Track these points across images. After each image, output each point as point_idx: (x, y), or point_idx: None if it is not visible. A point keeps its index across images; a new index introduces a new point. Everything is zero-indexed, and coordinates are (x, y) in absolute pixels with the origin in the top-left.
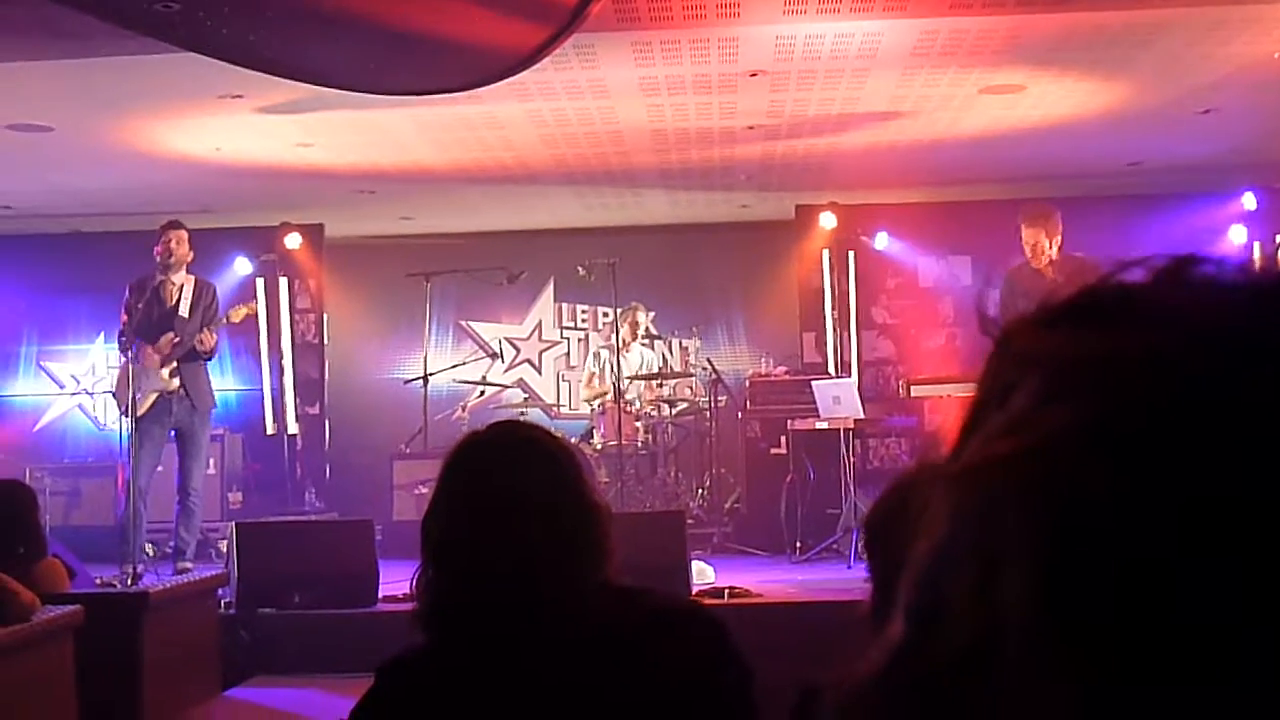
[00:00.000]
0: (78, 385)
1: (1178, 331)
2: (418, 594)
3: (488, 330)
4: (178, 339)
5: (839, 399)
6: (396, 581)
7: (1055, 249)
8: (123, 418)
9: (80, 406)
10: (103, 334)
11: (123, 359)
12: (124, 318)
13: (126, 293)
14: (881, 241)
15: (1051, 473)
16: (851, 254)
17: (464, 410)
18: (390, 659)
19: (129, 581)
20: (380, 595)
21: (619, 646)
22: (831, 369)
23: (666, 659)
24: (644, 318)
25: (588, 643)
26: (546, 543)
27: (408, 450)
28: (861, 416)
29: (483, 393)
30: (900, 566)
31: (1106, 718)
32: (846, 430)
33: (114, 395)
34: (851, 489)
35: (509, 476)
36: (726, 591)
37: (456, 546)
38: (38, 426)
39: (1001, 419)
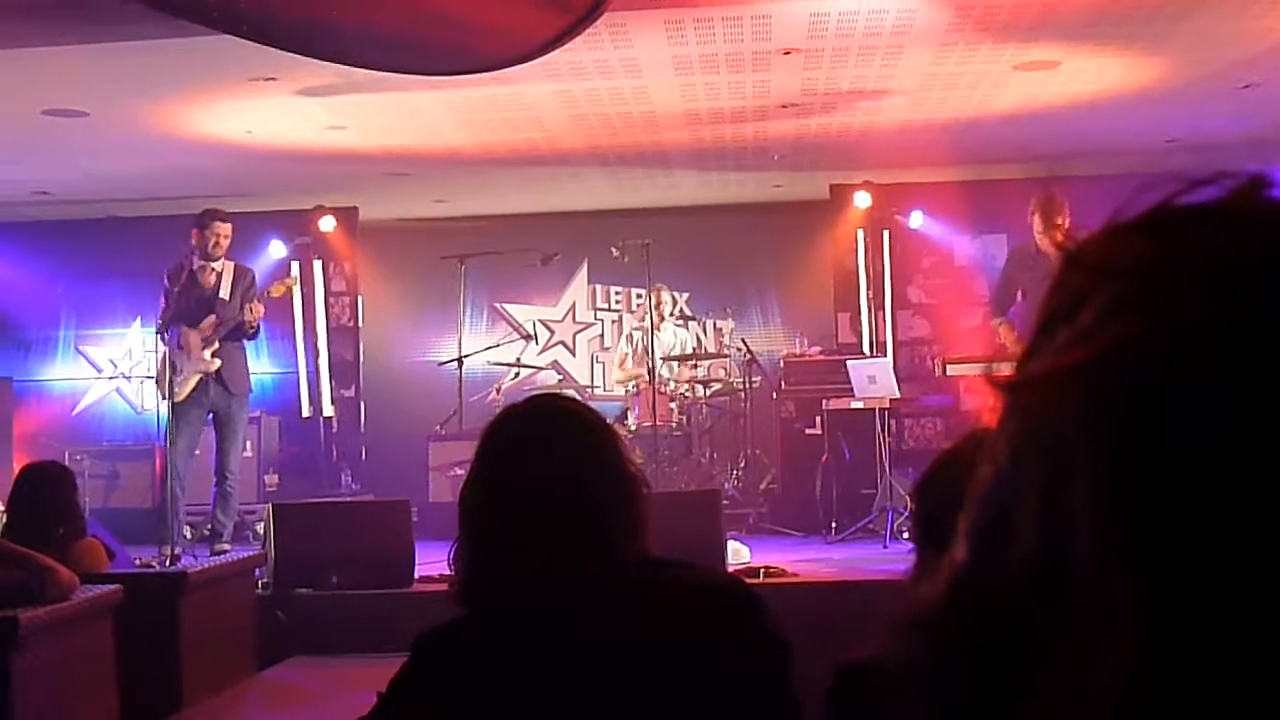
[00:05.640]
0: (115, 369)
1: (1255, 240)
2: (455, 567)
3: (521, 312)
4: (220, 321)
5: (874, 379)
6: (433, 562)
7: (1061, 234)
8: (161, 401)
9: (118, 390)
10: (139, 318)
11: (162, 345)
12: (162, 304)
13: (164, 279)
14: (916, 220)
15: (1121, 380)
16: (886, 233)
17: (498, 392)
18: (428, 631)
19: (167, 562)
20: (416, 576)
21: (656, 619)
22: (866, 349)
23: (703, 631)
24: (669, 297)
25: (625, 615)
26: (583, 515)
27: (443, 432)
28: (897, 396)
29: (517, 374)
30: (949, 523)
31: (1175, 624)
32: (882, 410)
33: (155, 381)
34: (887, 469)
35: (546, 449)
36: (762, 571)
37: (493, 519)
38: (76, 410)
39: (1071, 331)
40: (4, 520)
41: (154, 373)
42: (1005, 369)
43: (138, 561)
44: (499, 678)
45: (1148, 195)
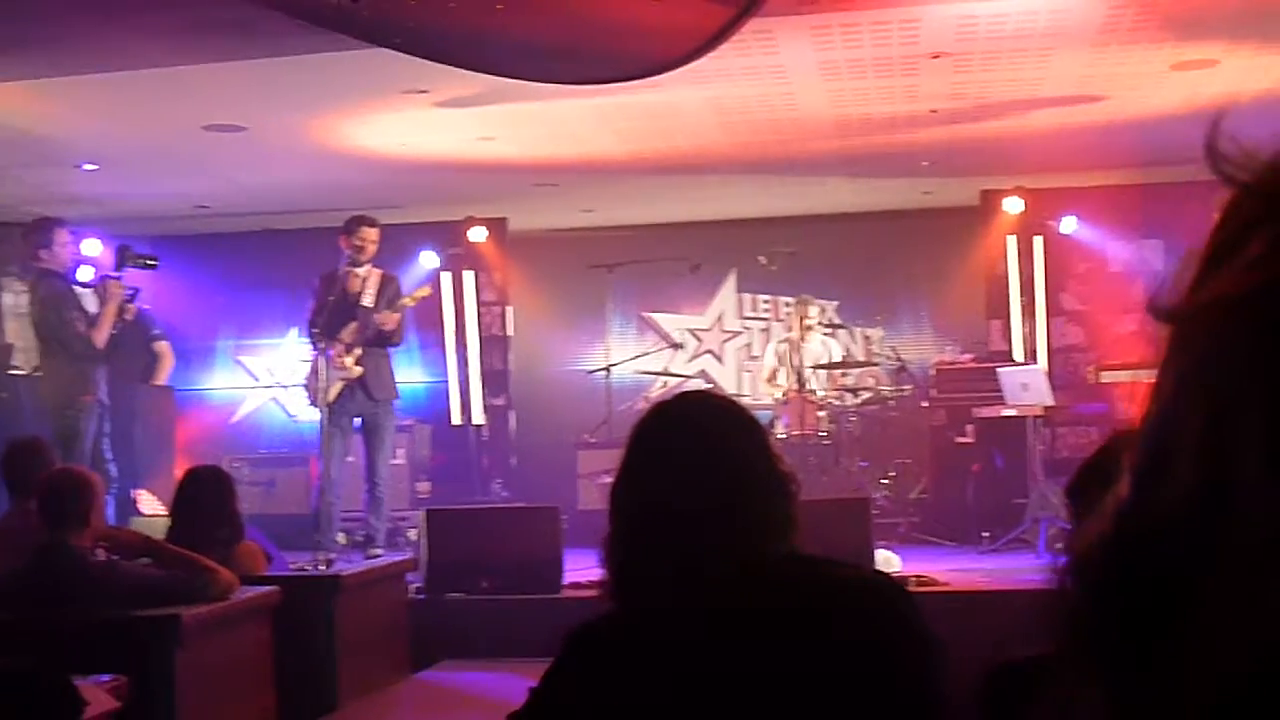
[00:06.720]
0: (272, 378)
1: None
2: (605, 562)
3: (669, 321)
4: (361, 327)
5: (1027, 386)
6: (582, 569)
7: None
8: (313, 408)
9: (275, 399)
10: (295, 329)
11: (313, 352)
12: (312, 308)
13: (317, 283)
14: (1069, 226)
15: None
16: (1039, 239)
17: (647, 401)
18: (578, 627)
19: (322, 567)
20: (565, 581)
21: (807, 615)
22: (1018, 356)
23: (854, 628)
24: (815, 310)
25: (775, 611)
26: (732, 510)
27: (592, 440)
28: (1050, 404)
29: (665, 383)
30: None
31: None
32: (1035, 418)
33: (305, 387)
34: (1040, 478)
35: (695, 443)
36: (913, 580)
37: (642, 514)
38: (235, 418)
39: (1239, 261)
40: (169, 523)
41: (305, 380)
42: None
43: (293, 566)
44: (648, 673)
45: None
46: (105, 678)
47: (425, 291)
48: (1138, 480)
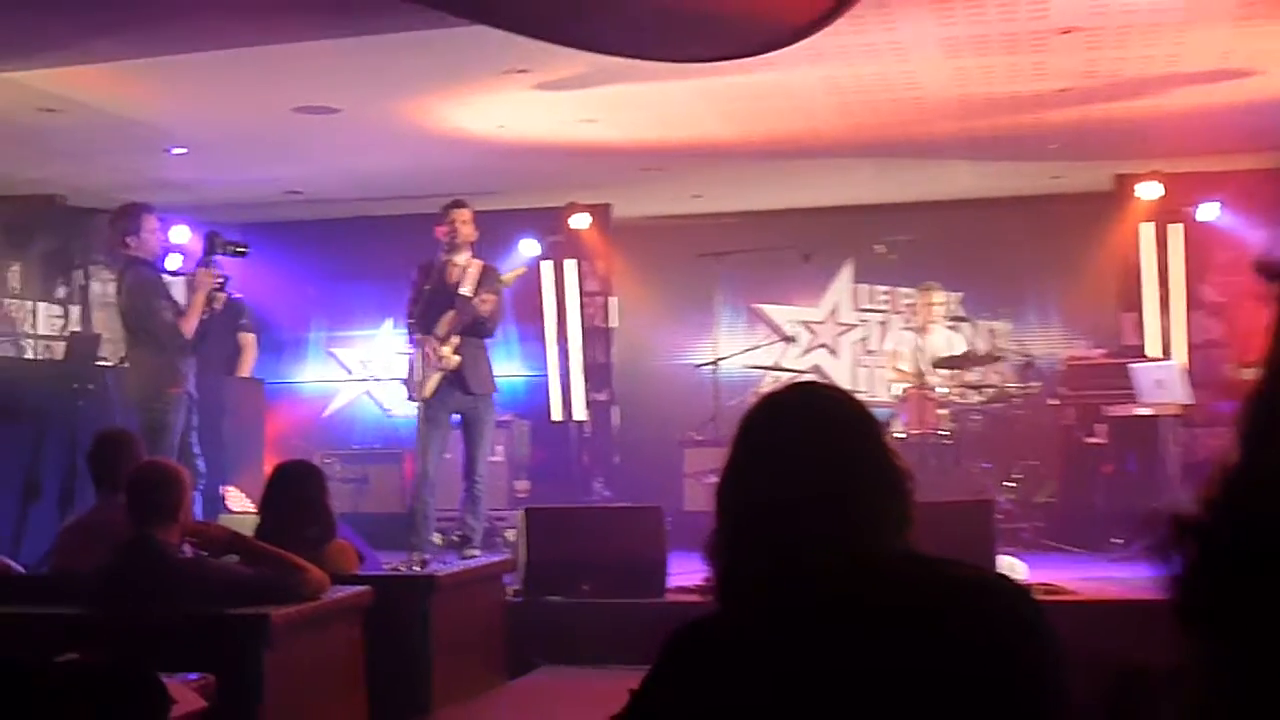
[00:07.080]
0: (365, 371)
1: None
2: (710, 563)
3: (781, 313)
4: (458, 316)
5: (1162, 383)
6: (687, 572)
7: None
8: (411, 402)
9: (368, 392)
10: (390, 320)
11: (411, 344)
12: (410, 298)
13: (415, 273)
14: (1210, 212)
15: None
16: (1179, 227)
17: (756, 397)
18: (680, 627)
19: (416, 567)
20: (669, 585)
21: (920, 613)
22: (1153, 351)
23: (971, 628)
24: (940, 297)
25: (887, 609)
26: (844, 506)
27: (699, 438)
28: (1188, 402)
29: (776, 379)
30: None
31: None
32: (1171, 417)
33: (404, 382)
34: (1177, 482)
35: (804, 434)
36: (1040, 589)
37: (752, 509)
38: (327, 412)
39: None
40: (257, 521)
41: (403, 374)
42: None
43: (386, 566)
44: (751, 674)
45: None
46: (193, 676)
47: (521, 270)
48: (1245, 445)
